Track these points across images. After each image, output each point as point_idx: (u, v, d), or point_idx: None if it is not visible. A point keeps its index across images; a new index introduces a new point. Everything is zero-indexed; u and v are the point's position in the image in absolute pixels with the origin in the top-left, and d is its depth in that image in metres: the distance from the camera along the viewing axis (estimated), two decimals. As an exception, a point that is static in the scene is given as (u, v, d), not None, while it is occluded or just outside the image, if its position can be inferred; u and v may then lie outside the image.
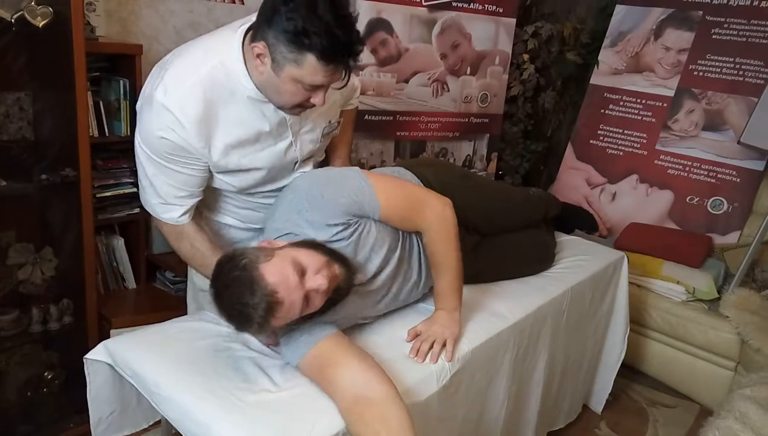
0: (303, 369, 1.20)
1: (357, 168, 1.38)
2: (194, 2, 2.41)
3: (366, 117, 2.98)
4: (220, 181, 1.37)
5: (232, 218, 1.52)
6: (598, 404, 2.28)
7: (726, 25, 2.88)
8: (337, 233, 1.26)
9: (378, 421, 1.06)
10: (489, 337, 1.45)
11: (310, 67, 1.14)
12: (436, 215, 1.37)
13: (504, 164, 3.51)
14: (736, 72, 2.83)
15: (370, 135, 3.04)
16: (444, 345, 1.34)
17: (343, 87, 1.28)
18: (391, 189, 1.35)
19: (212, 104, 1.23)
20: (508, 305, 1.59)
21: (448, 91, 3.10)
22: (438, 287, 1.42)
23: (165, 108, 1.20)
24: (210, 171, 1.34)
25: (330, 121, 1.49)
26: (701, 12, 2.94)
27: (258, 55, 1.18)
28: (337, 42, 1.12)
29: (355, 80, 1.68)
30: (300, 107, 1.27)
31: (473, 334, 1.44)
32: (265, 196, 1.47)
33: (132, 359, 1.23)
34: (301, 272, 1.11)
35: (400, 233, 1.40)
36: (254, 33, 1.19)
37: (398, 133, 3.04)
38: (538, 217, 1.90)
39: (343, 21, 1.12)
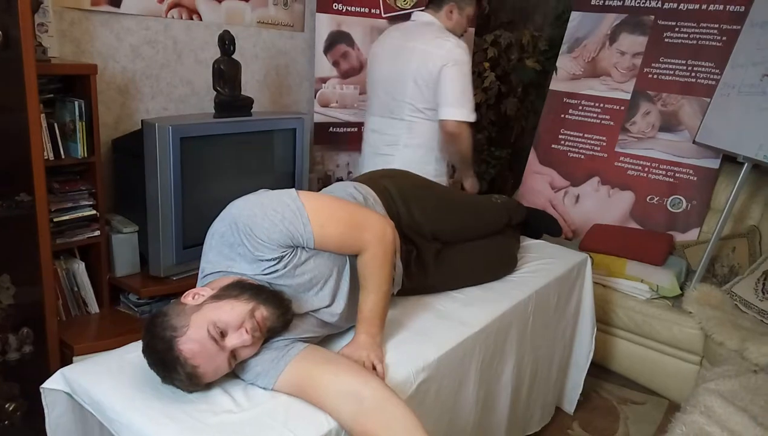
0: (280, 390, 1.19)
1: (293, 192, 1.31)
2: (150, 20, 2.38)
3: (330, 129, 2.99)
4: None
5: None
6: (570, 405, 2.30)
7: (677, 29, 2.96)
8: (269, 267, 1.25)
9: (382, 429, 1.10)
10: (455, 345, 1.46)
11: (474, 4, 2.38)
12: (376, 237, 1.32)
13: (470, 171, 3.54)
14: (688, 74, 2.92)
15: (336, 147, 3.04)
16: (374, 367, 1.29)
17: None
18: (327, 216, 1.30)
19: None
20: (473, 312, 1.60)
21: (412, 101, 3.12)
22: (364, 310, 1.35)
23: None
24: None
25: None
26: (653, 17, 3.03)
27: (450, 11, 2.29)
28: None
29: None
30: None
31: (439, 342, 1.44)
32: None
33: (90, 387, 1.20)
34: (221, 334, 1.13)
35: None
36: (437, 4, 2.29)
37: (363, 145, 3.05)
38: (500, 225, 1.92)
39: None
